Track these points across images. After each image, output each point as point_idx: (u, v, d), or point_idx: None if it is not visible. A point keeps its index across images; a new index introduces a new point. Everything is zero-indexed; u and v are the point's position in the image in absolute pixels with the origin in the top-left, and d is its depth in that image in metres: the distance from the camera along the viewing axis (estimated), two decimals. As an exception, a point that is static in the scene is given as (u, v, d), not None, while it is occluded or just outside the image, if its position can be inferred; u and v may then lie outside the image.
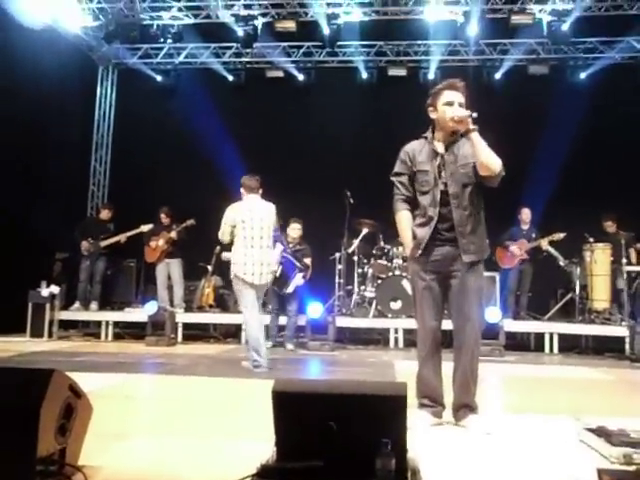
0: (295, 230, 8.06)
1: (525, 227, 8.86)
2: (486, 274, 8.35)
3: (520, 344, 8.40)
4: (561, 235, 8.50)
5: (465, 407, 3.43)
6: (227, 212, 5.84)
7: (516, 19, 9.70)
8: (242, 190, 6.00)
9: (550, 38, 9.91)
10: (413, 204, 3.57)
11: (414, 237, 3.50)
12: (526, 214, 8.86)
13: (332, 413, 2.14)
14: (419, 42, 10.97)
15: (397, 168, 3.59)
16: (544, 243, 8.50)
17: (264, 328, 6.18)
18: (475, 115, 3.31)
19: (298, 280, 7.77)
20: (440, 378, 3.53)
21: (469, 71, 10.87)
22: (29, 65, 8.81)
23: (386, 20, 10.35)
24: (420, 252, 3.45)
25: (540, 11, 9.66)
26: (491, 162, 3.29)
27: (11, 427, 2.13)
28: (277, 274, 7.57)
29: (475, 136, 3.31)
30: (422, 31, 10.47)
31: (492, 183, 3.39)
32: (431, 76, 10.97)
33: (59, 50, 9.67)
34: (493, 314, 7.55)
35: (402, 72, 11.13)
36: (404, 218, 3.57)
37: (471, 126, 3.31)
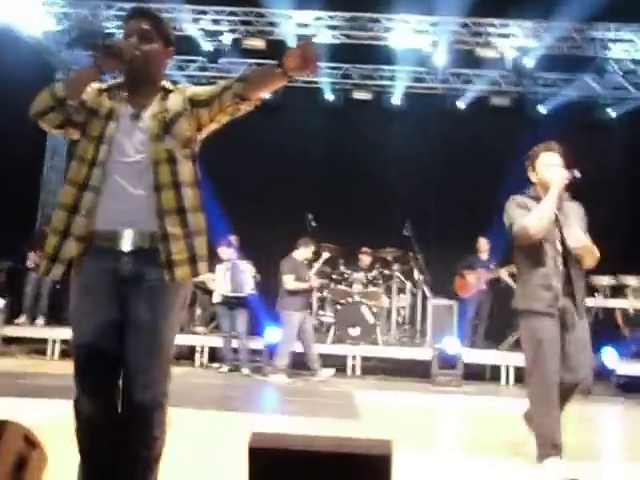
0: (225, 253, 7.89)
1: (484, 257, 8.90)
2: (445, 302, 8.53)
3: (476, 373, 8.37)
4: (521, 267, 8.60)
5: None
6: None
7: (482, 52, 9.88)
8: None
9: (514, 72, 10.12)
10: None
11: (547, 288, 3.61)
12: (483, 244, 8.91)
13: (312, 473, 2.02)
14: (385, 67, 11.04)
15: (519, 212, 3.72)
16: (503, 273, 8.50)
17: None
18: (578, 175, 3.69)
19: (250, 269, 7.82)
20: None
21: (433, 99, 11.00)
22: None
23: (353, 44, 10.38)
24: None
25: (505, 46, 9.85)
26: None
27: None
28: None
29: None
30: (389, 57, 10.56)
31: None
32: (396, 101, 11.05)
33: (16, 52, 9.30)
34: (451, 344, 7.57)
35: (367, 96, 11.15)
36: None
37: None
